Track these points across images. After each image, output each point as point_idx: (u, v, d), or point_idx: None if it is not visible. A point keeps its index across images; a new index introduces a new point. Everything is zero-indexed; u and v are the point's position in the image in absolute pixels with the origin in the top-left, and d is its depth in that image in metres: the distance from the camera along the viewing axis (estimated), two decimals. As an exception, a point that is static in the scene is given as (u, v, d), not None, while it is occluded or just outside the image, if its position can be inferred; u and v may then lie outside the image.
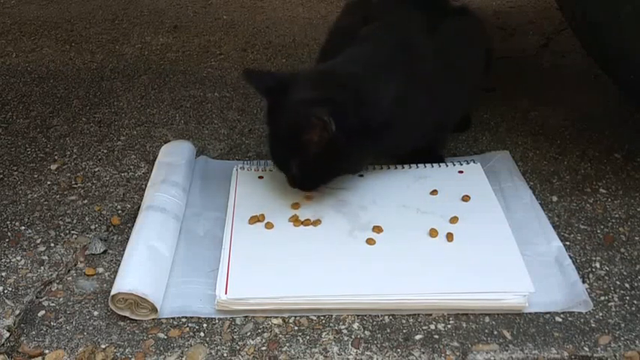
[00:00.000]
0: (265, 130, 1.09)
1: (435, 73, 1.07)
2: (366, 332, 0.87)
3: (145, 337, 0.87)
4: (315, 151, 0.99)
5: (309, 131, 0.97)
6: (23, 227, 1.08)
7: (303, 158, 1.00)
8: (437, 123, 1.11)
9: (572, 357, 0.83)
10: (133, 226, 1.03)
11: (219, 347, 0.85)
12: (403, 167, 1.16)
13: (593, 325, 0.87)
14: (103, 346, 0.86)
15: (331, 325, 0.88)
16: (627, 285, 0.94)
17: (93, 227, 1.08)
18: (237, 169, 1.16)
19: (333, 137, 0.97)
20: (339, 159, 1.02)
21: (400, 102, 1.03)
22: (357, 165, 1.08)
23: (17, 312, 0.91)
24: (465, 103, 1.24)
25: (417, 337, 0.86)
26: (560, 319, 0.88)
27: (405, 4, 1.17)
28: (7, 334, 0.88)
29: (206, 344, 0.86)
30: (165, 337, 0.87)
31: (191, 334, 0.87)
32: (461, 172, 1.15)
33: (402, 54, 1.07)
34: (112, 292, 0.88)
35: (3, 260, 1.01)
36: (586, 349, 0.84)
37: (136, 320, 0.89)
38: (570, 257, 0.97)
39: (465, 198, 1.08)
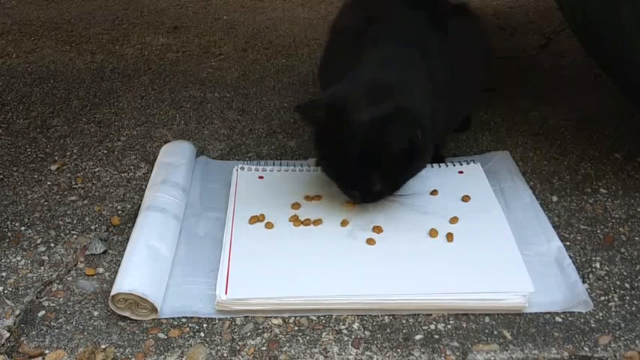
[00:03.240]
0: (322, 151, 1.02)
1: (444, 74, 1.07)
2: (366, 332, 0.87)
3: (145, 337, 0.87)
4: (399, 159, 0.97)
5: (397, 141, 0.95)
6: (23, 227, 1.08)
7: (385, 169, 0.97)
8: (443, 123, 1.11)
9: (572, 357, 0.83)
10: (133, 226, 1.03)
11: (219, 347, 0.85)
12: (403, 167, 1.16)
13: (593, 325, 0.87)
14: (103, 346, 0.86)
15: (331, 325, 0.88)
16: (627, 285, 0.94)
17: (93, 227, 1.08)
18: (237, 169, 1.16)
19: (419, 142, 0.96)
20: (417, 162, 1.01)
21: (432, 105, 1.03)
22: (424, 166, 1.05)
23: (17, 312, 0.91)
24: (469, 102, 1.24)
25: (417, 337, 0.86)
26: (560, 319, 0.88)
27: (406, 3, 1.16)
28: (7, 334, 0.88)
29: (206, 344, 0.86)
30: (166, 337, 0.87)
31: (191, 334, 0.87)
32: (461, 172, 1.15)
33: (421, 57, 1.06)
34: (112, 292, 0.88)
35: (3, 260, 1.01)
36: (586, 349, 0.84)
37: (136, 320, 0.89)
38: (570, 257, 0.97)
39: (465, 198, 1.08)
